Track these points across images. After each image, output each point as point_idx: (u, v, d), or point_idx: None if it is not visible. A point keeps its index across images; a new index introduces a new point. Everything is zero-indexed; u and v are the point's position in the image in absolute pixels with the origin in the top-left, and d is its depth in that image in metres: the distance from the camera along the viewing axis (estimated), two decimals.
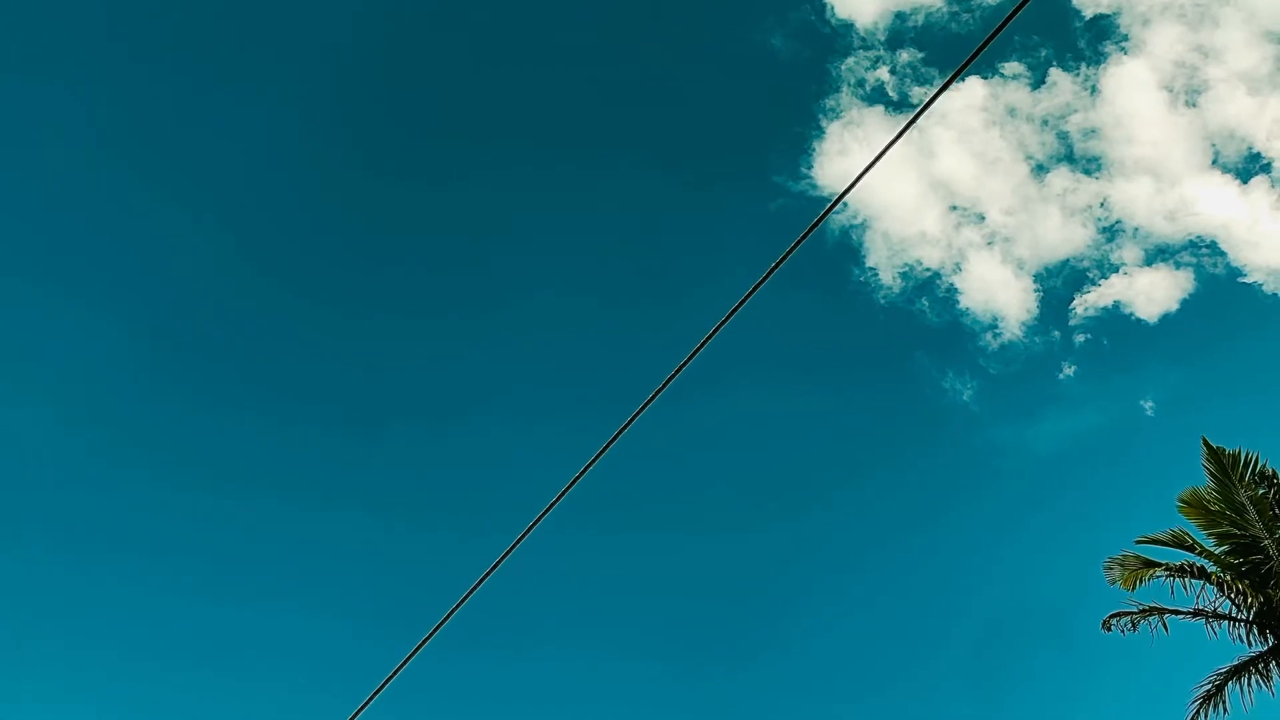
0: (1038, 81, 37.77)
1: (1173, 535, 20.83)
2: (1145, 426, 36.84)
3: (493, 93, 40.59)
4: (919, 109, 5.03)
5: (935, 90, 5.03)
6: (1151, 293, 36.33)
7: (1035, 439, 39.54)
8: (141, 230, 38.87)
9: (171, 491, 38.36)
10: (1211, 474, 20.86)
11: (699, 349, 6.87)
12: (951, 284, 37.84)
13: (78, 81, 37.98)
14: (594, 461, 8.06)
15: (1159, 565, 20.41)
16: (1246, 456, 20.61)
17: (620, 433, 7.96)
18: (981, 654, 36.75)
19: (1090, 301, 36.79)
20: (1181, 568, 20.34)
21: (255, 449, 39.62)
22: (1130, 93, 37.58)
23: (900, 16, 38.05)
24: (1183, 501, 20.99)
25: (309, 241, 40.75)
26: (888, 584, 39.06)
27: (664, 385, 6.88)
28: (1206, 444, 20.87)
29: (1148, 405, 36.72)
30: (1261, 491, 20.41)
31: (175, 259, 39.16)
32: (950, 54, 38.58)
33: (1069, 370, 37.35)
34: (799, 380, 40.88)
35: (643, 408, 7.08)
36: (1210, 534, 20.88)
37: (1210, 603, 20.38)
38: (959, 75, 5.20)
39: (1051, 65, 37.43)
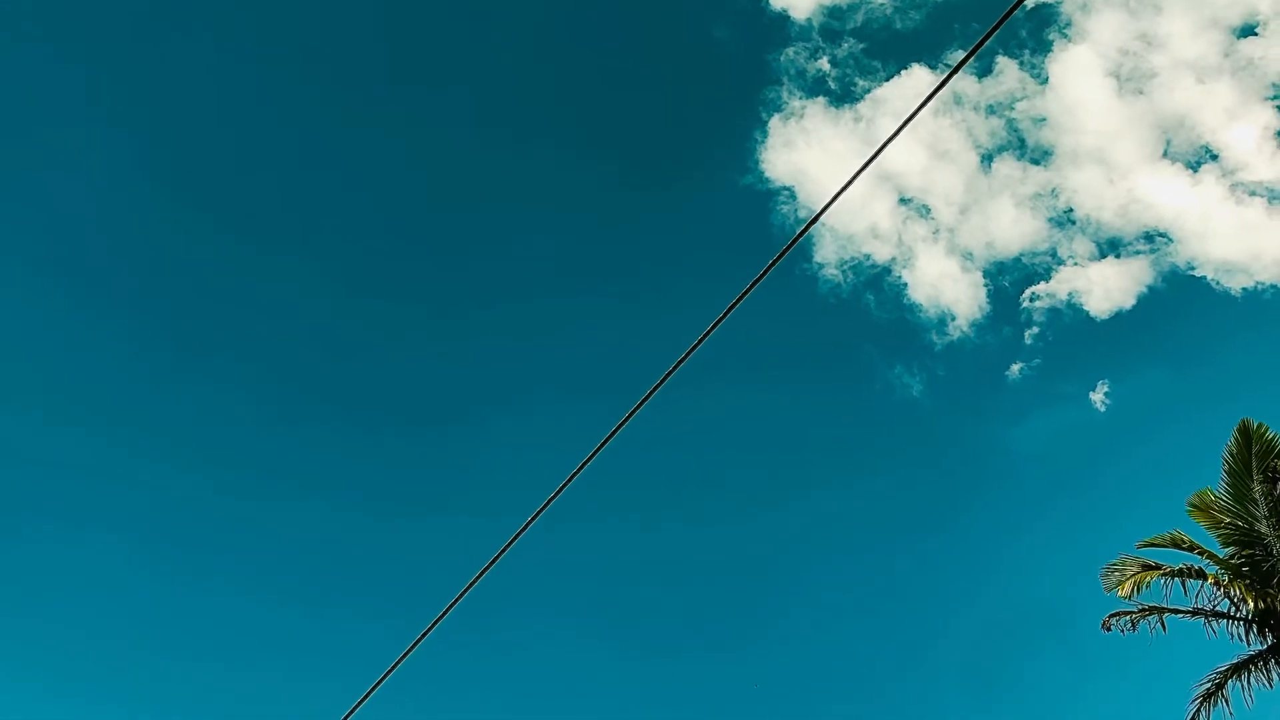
0: (984, 70, 37.48)
1: (1171, 538, 20.72)
2: (1099, 423, 36.62)
3: (464, 88, 40.58)
4: (900, 124, 4.93)
5: (917, 105, 4.93)
6: (1103, 286, 35.99)
7: (992, 436, 39.37)
8: (144, 223, 38.97)
9: (175, 485, 38.50)
10: (1229, 466, 20.65)
11: (684, 359, 6.79)
12: (901, 278, 37.59)
13: (85, 79, 38.03)
14: (588, 461, 8.00)
15: (1158, 569, 20.31)
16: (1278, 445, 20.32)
17: (609, 438, 7.89)
18: (979, 653, 36.64)
19: (1041, 295, 36.55)
20: (1181, 570, 20.26)
21: (255, 443, 39.71)
22: (1077, 81, 37.23)
23: (838, 10, 37.89)
24: (1192, 505, 20.90)
25: (309, 238, 40.83)
26: (878, 583, 38.95)
27: (646, 397, 6.81)
28: (1244, 425, 20.40)
29: (1099, 401, 36.48)
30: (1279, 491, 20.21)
31: (179, 252, 39.24)
32: (891, 46, 38.40)
33: (1018, 367, 37.09)
34: (755, 377, 40.54)
35: (625, 419, 7.01)
36: (1216, 533, 20.76)
37: (1209, 601, 20.32)
38: (946, 82, 5.10)
39: (998, 54, 37.06)
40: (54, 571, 36.78)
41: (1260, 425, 20.35)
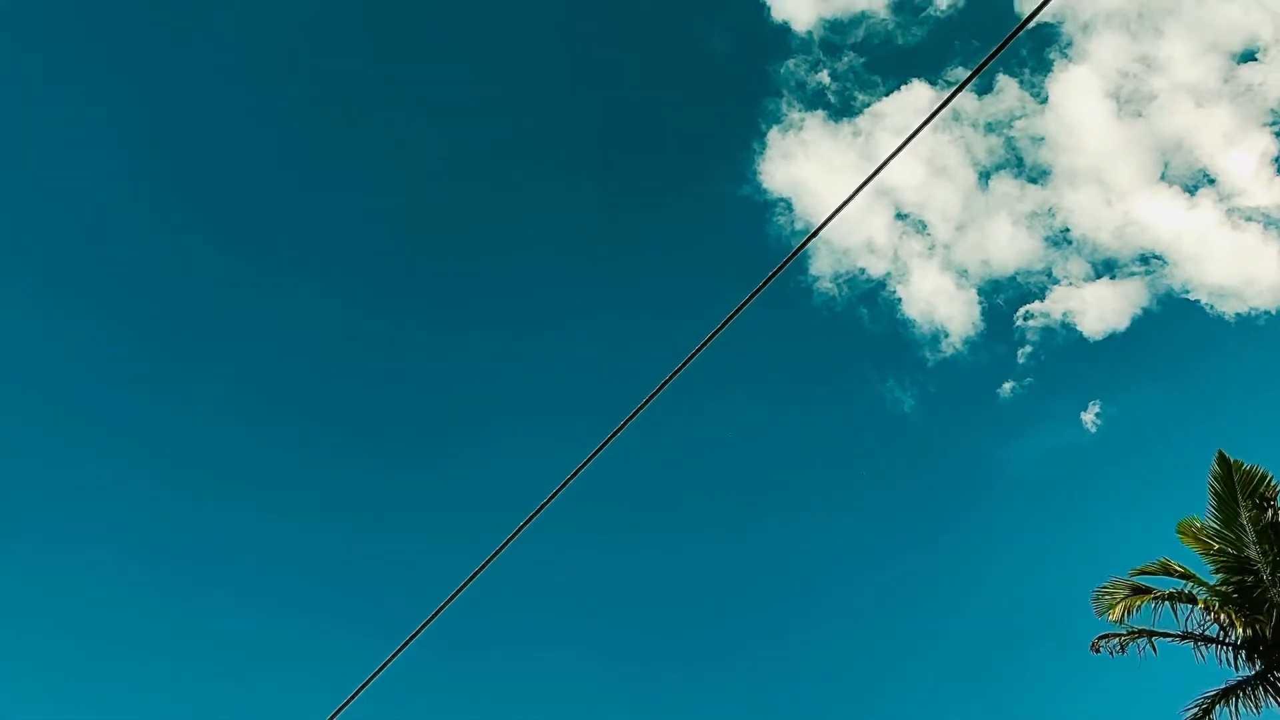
0: (984, 87, 37.57)
1: (1162, 564, 20.70)
2: (1089, 443, 36.61)
3: (466, 97, 40.58)
4: (896, 149, 4.89)
5: (915, 127, 4.88)
6: (1097, 307, 36.05)
7: (982, 454, 39.35)
8: (141, 233, 38.96)
9: (168, 493, 38.44)
10: (1216, 492, 20.63)
11: (678, 370, 6.76)
12: (895, 293, 37.63)
13: (84, 86, 38.01)
14: (581, 469, 7.95)
15: (1148, 593, 20.27)
16: (1260, 474, 20.32)
17: (601, 447, 7.85)
18: (966, 669, 36.59)
19: (1035, 314, 36.56)
20: (1171, 594, 20.23)
21: (248, 452, 39.64)
22: (1077, 101, 37.39)
23: (839, 24, 37.95)
24: (1181, 533, 20.86)
25: (307, 252, 40.81)
26: (866, 597, 38.89)
27: (640, 408, 6.77)
28: (1221, 457, 20.56)
29: (1090, 421, 36.43)
30: (1268, 517, 20.15)
31: (175, 262, 39.23)
32: (891, 61, 38.51)
33: (1009, 385, 37.08)
34: (749, 388, 40.53)
35: (619, 429, 6.97)
36: (1206, 558, 20.73)
37: (1199, 626, 20.28)
38: (945, 104, 5.07)
39: (998, 72, 37.18)
40: (43, 577, 36.77)
41: (1237, 461, 20.42)
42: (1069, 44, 37.23)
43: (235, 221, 39.67)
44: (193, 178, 39.24)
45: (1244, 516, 20.20)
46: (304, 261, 40.50)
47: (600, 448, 7.63)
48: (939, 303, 37.23)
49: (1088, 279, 36.63)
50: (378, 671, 8.54)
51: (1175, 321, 36.32)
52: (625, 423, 7.60)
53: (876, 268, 37.48)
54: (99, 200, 38.44)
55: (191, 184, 39.18)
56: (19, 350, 37.87)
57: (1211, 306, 34.96)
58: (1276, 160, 35.49)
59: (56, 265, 38.09)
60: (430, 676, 34.34)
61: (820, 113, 38.31)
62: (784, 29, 38.48)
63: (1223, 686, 20.34)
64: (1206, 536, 20.68)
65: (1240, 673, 20.25)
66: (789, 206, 37.78)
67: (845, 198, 6.36)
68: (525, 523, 7.80)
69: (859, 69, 38.00)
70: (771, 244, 37.42)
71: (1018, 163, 37.51)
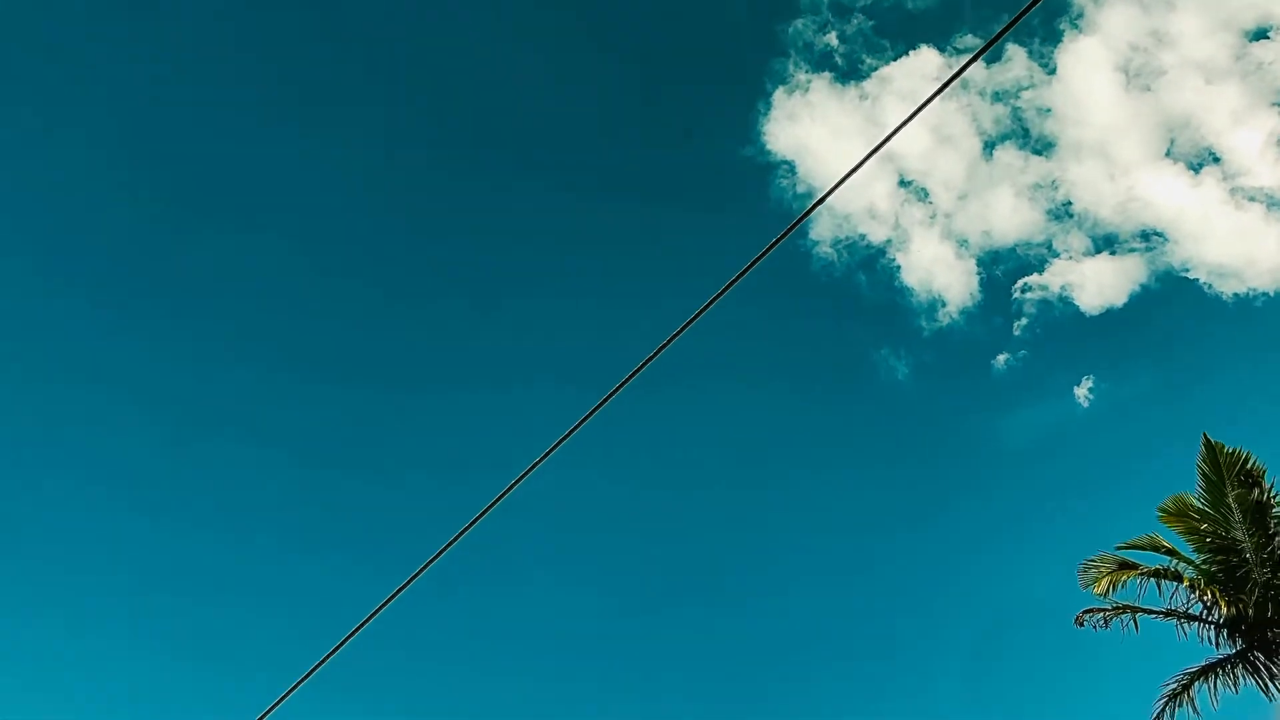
0: (993, 56, 37.17)
1: (1150, 540, 20.85)
2: (1081, 418, 36.65)
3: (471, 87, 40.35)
4: (902, 122, 4.83)
5: (930, 93, 4.83)
6: (1096, 282, 35.94)
7: (973, 426, 39.31)
8: (151, 203, 38.94)
9: (188, 443, 38.77)
10: (1204, 473, 20.72)
11: (672, 339, 6.75)
12: (894, 261, 37.50)
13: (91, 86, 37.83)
14: (567, 436, 7.98)
15: (1135, 568, 20.43)
16: (1245, 457, 20.42)
17: (596, 409, 7.88)
18: (953, 640, 36.89)
19: (1033, 287, 36.45)
20: (1157, 571, 20.40)
21: (282, 404, 40.01)
22: (1085, 74, 37.05)
23: None
24: (1163, 510, 20.94)
25: (327, 228, 40.86)
26: (855, 565, 39.07)
27: (630, 376, 6.78)
28: (1206, 440, 20.68)
29: (1083, 396, 36.44)
30: (1254, 496, 20.24)
31: (188, 235, 39.30)
32: (901, 26, 38.12)
33: (1004, 357, 37.03)
34: (745, 350, 40.36)
35: (612, 393, 6.99)
36: (1190, 538, 20.86)
37: (1183, 604, 20.47)
38: (955, 77, 5.01)
39: (1008, 41, 36.89)
40: (46, 512, 37.13)
41: (1219, 443, 20.49)
42: (1080, 15, 36.90)
43: (250, 210, 39.80)
44: (203, 154, 39.42)
45: (1231, 497, 20.30)
46: (329, 227, 40.63)
47: (599, 406, 7.64)
48: (938, 271, 37.17)
49: (1088, 253, 36.55)
50: (380, 608, 8.62)
51: (1173, 299, 36.29)
52: (620, 386, 7.59)
53: (877, 234, 37.37)
54: (115, 168, 38.49)
55: (201, 160, 39.28)
56: (42, 336, 38.08)
57: (1210, 286, 34.92)
58: None
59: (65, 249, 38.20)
60: (440, 611, 34.87)
61: (827, 75, 38.04)
62: None
63: (1203, 664, 20.57)
64: (1195, 516, 20.79)
65: (1221, 651, 20.48)
66: (792, 169, 37.59)
67: (851, 168, 6.31)
68: (531, 467, 7.83)
69: (868, 32, 37.65)
70: (774, 206, 37.26)
71: (1023, 133, 37.29)
